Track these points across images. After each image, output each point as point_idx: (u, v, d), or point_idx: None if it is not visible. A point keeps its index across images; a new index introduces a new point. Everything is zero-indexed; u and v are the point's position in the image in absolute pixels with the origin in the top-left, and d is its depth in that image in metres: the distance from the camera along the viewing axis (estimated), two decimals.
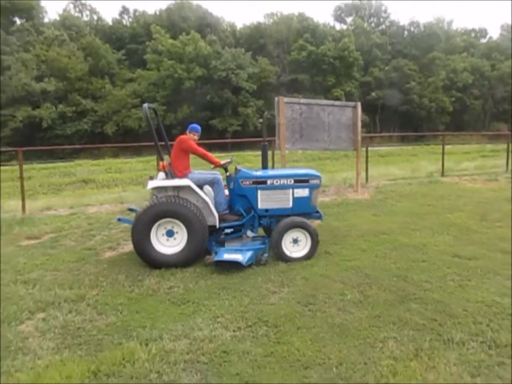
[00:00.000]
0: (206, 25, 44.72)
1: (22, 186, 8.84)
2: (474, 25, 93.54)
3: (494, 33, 69.11)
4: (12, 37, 34.19)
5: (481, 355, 2.92)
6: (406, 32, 54.44)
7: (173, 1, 46.79)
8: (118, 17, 49.75)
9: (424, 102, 47.15)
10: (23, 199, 8.66)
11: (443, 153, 13.09)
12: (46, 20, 44.30)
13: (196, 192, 5.13)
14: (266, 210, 5.48)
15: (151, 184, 5.10)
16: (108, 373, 2.81)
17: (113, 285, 4.51)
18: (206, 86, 39.18)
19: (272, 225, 5.53)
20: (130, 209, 6.29)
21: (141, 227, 4.91)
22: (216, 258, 4.88)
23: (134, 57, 43.01)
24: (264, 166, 5.80)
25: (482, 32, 64.50)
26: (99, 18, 49.16)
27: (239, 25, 51.95)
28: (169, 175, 5.26)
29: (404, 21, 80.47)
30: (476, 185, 11.26)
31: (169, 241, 5.04)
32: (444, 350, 3.00)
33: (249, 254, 4.93)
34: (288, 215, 5.41)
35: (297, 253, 5.20)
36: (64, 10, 48.36)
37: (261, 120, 39.67)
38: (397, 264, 4.92)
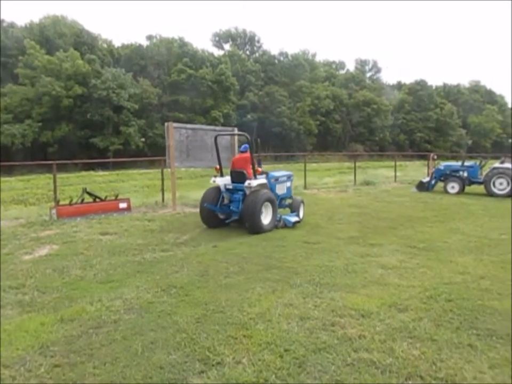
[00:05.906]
0: (82, 43, 44.02)
1: None
2: (334, 57, 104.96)
3: (351, 66, 79.12)
4: None
5: (309, 289, 4.82)
6: (276, 61, 59.76)
7: (46, 16, 45.22)
8: None
9: (294, 125, 52.23)
10: None
11: (305, 170, 15.90)
12: None
13: (268, 186, 8.54)
14: (279, 195, 8.90)
15: (255, 182, 8.18)
16: (71, 319, 4.07)
17: (45, 275, 5.57)
18: (86, 104, 38.63)
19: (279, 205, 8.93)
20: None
21: (257, 207, 7.82)
22: (289, 223, 8.50)
23: (3, 71, 40.44)
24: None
25: (341, 65, 73.58)
26: None
27: (117, 44, 51.92)
28: (237, 178, 8.46)
29: (274, 51, 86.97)
30: (329, 195, 14.05)
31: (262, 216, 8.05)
32: (290, 289, 4.85)
33: (298, 217, 8.79)
34: (286, 198, 9.26)
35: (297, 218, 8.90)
36: None
37: (143, 139, 40.28)
38: (265, 249, 6.79)
